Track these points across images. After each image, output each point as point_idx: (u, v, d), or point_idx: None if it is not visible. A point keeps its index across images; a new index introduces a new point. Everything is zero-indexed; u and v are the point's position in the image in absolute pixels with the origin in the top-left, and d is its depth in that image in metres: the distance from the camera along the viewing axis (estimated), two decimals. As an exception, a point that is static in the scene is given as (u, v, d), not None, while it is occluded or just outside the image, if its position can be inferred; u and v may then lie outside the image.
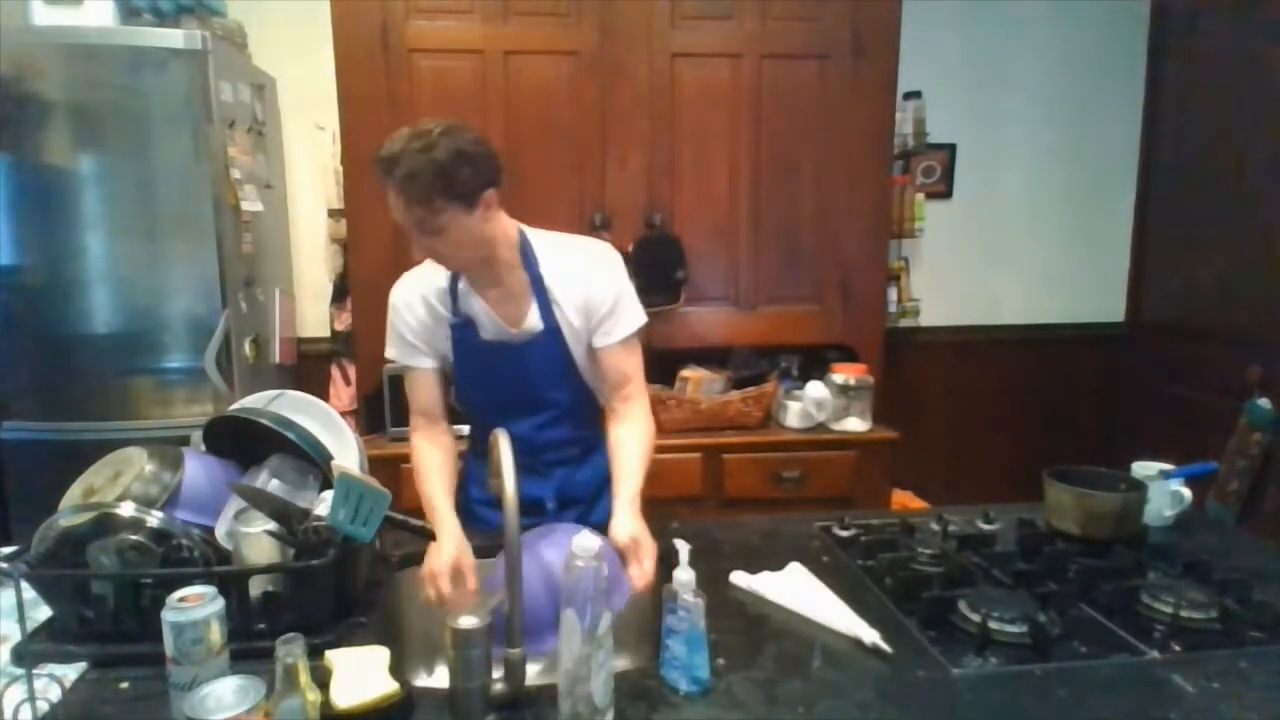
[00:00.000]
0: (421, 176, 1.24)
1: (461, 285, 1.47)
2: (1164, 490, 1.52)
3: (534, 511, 1.46)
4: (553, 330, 1.44)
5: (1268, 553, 1.44)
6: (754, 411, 2.57)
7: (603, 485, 1.60)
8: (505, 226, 1.43)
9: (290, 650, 0.83)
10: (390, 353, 1.53)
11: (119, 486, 1.18)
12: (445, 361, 1.52)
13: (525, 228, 1.48)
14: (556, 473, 1.55)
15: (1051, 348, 3.25)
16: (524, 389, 1.48)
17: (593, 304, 1.44)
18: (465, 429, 1.64)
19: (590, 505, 1.58)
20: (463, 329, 1.47)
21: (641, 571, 1.19)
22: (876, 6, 2.51)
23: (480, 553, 1.40)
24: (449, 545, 1.26)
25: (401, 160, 1.24)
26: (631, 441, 1.41)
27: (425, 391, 1.52)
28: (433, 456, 1.46)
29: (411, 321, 1.49)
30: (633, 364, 1.48)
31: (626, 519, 1.28)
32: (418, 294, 1.49)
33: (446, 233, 1.31)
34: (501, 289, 1.45)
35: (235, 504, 1.21)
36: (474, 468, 1.66)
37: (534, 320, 1.44)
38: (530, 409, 1.50)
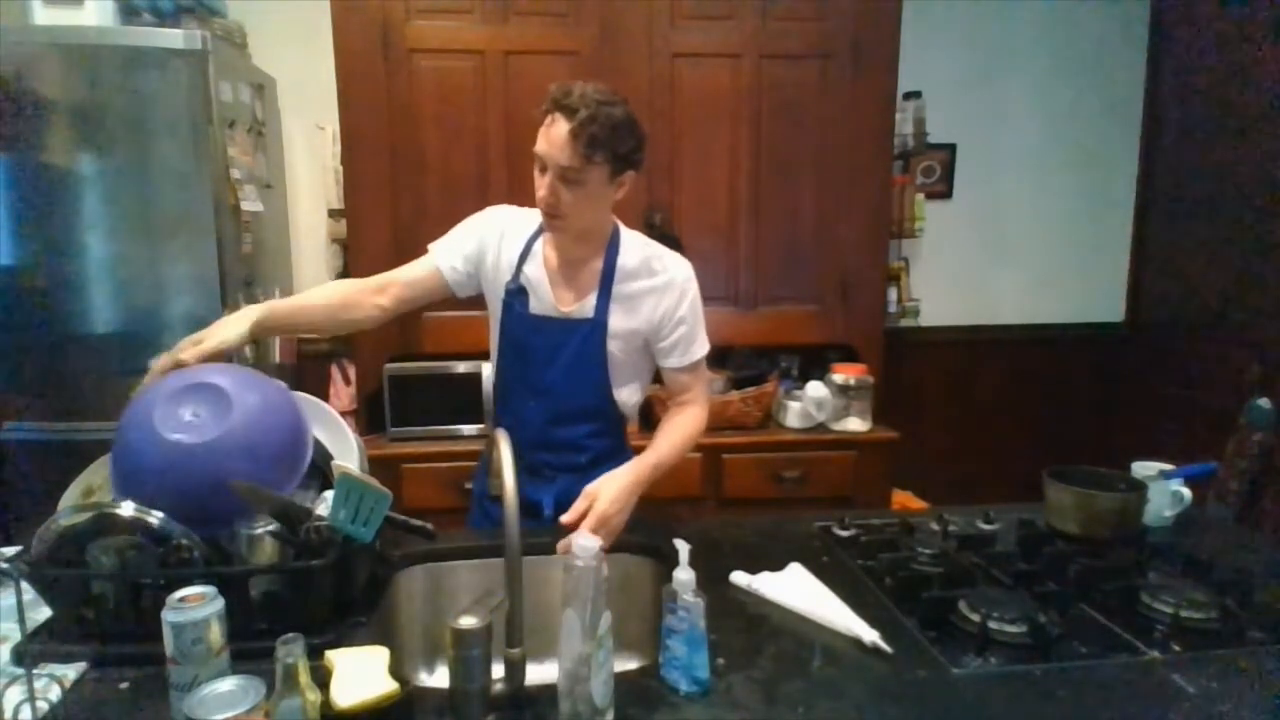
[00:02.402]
0: (602, 124, 1.29)
1: (535, 248, 1.48)
2: (1164, 490, 1.52)
3: (531, 515, 1.46)
4: (601, 323, 1.45)
5: (1268, 553, 1.44)
6: (754, 411, 2.57)
7: None
8: (612, 217, 1.47)
9: (290, 650, 0.83)
10: (434, 244, 1.53)
11: (119, 486, 1.17)
12: (461, 286, 1.52)
13: (620, 224, 1.50)
14: (560, 479, 1.54)
15: (1051, 348, 3.25)
16: (551, 371, 1.48)
17: (667, 323, 1.47)
18: (468, 429, 1.64)
19: None
20: (517, 294, 1.47)
21: (571, 519, 1.24)
22: (876, 6, 2.51)
23: (480, 553, 1.41)
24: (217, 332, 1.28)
25: (585, 102, 1.29)
26: (680, 421, 1.50)
27: (411, 272, 1.51)
28: (333, 289, 1.48)
29: (482, 234, 1.50)
30: (696, 382, 1.54)
31: (616, 477, 1.31)
32: (513, 233, 1.50)
33: (585, 186, 1.33)
34: (573, 269, 1.46)
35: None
36: (486, 464, 1.66)
37: (587, 307, 1.45)
38: (550, 397, 1.49)
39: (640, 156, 1.39)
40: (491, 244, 1.50)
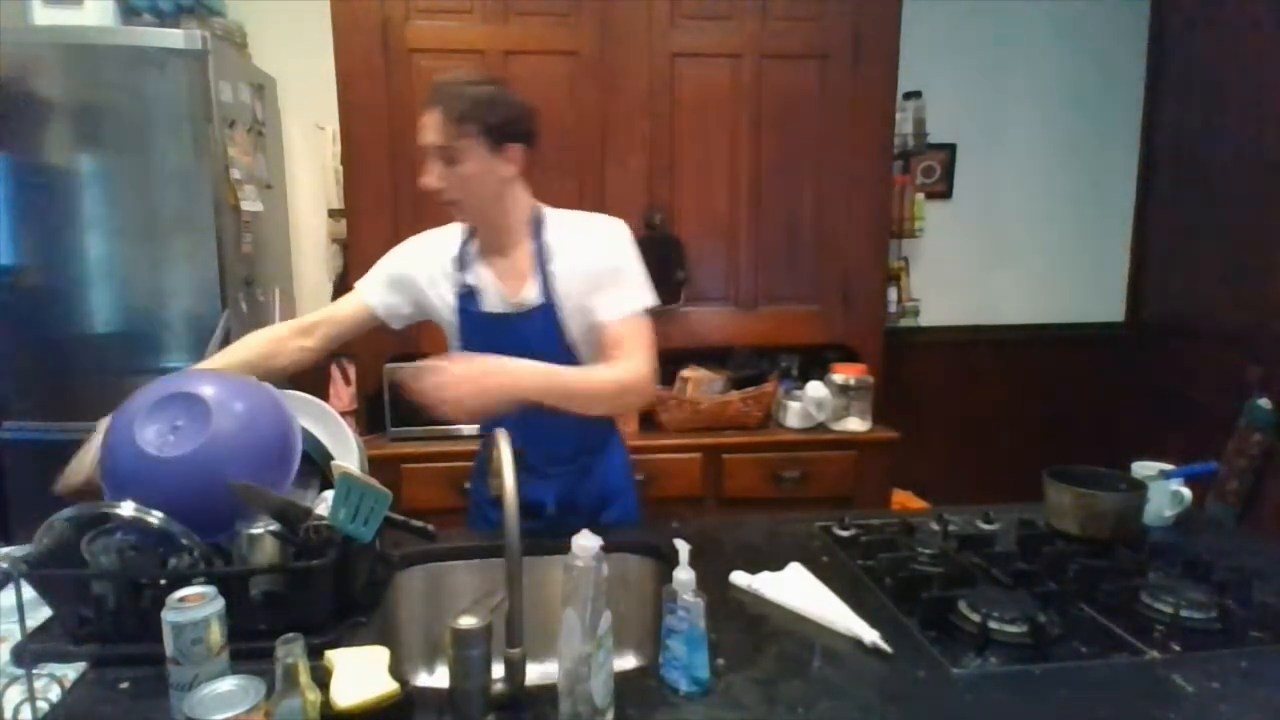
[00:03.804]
0: (462, 97, 1.33)
1: (471, 251, 1.48)
2: (1164, 490, 1.52)
3: (534, 515, 1.46)
4: (550, 304, 1.43)
5: (1268, 553, 1.44)
6: (754, 411, 2.57)
7: (609, 493, 1.60)
8: (524, 198, 1.46)
9: (290, 650, 0.83)
10: (360, 281, 1.55)
11: (119, 486, 1.17)
12: (395, 316, 1.53)
13: (545, 206, 1.49)
14: (558, 475, 1.54)
15: (1051, 348, 3.25)
16: None
17: (592, 276, 1.41)
18: (468, 429, 1.64)
19: (595, 514, 1.57)
20: (467, 298, 1.47)
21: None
22: (876, 6, 2.51)
23: (480, 553, 1.41)
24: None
25: (450, 84, 1.34)
26: (593, 370, 1.39)
27: (340, 310, 1.52)
28: (253, 342, 1.47)
29: (409, 263, 1.51)
30: (630, 339, 1.40)
31: (491, 361, 1.27)
32: (431, 247, 1.52)
33: (464, 162, 1.35)
34: (508, 260, 1.46)
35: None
36: (484, 465, 1.66)
37: (533, 293, 1.43)
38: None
39: (523, 129, 1.39)
40: (421, 264, 1.51)
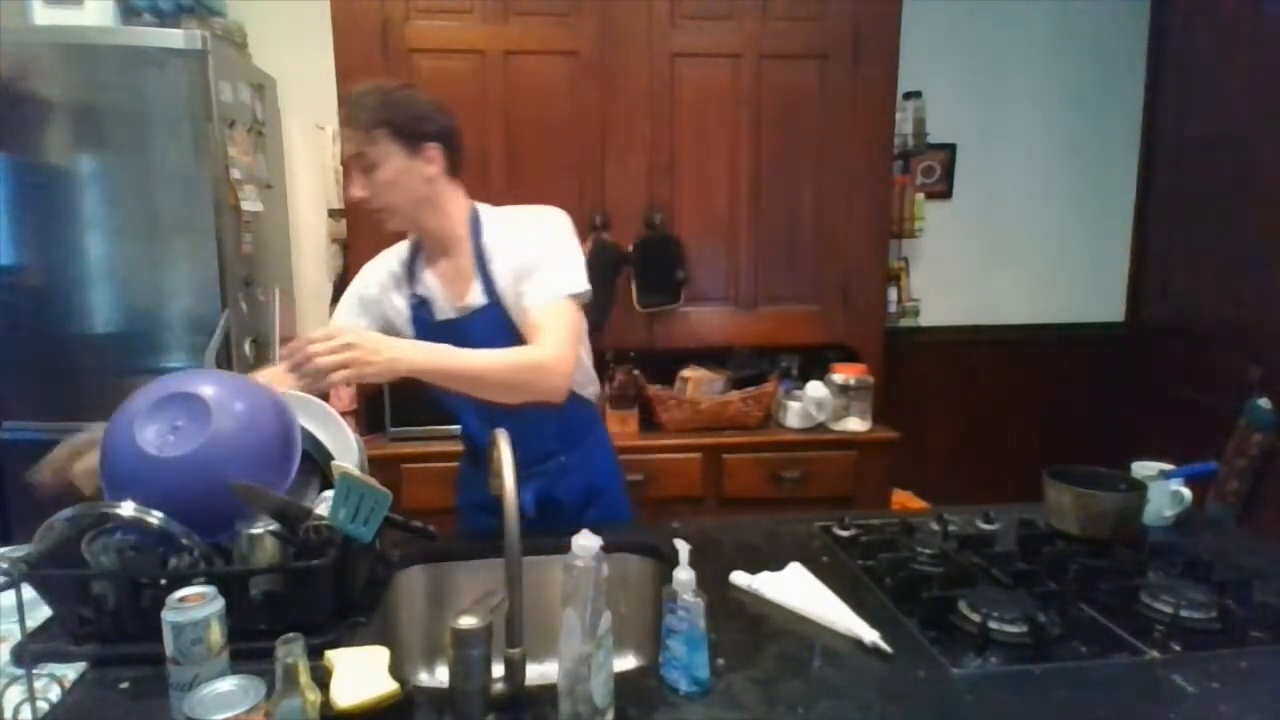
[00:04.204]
0: (367, 103, 1.33)
1: (419, 261, 1.49)
2: (1164, 490, 1.52)
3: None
4: (495, 304, 1.42)
5: (1268, 553, 1.44)
6: (754, 411, 2.57)
7: (593, 490, 1.59)
8: (459, 201, 1.46)
9: (290, 650, 0.83)
10: (336, 310, 1.57)
11: (119, 486, 1.17)
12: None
13: (482, 205, 1.49)
14: (537, 474, 1.52)
15: (1052, 348, 3.25)
16: None
17: (522, 268, 1.40)
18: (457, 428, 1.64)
19: (577, 515, 1.56)
20: (420, 308, 1.48)
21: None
22: (876, 6, 2.51)
23: (480, 553, 1.41)
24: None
25: (358, 93, 1.35)
26: (495, 351, 1.32)
27: None
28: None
29: (368, 282, 1.53)
30: (549, 323, 1.35)
31: (370, 337, 1.25)
32: (383, 263, 1.54)
33: (380, 169, 1.35)
34: (451, 264, 1.46)
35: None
36: (465, 472, 1.65)
37: (477, 295, 1.43)
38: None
39: (437, 126, 1.38)
40: (378, 282, 1.53)
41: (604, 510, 1.60)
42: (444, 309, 1.47)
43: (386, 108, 1.34)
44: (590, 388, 1.59)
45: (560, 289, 1.38)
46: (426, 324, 1.47)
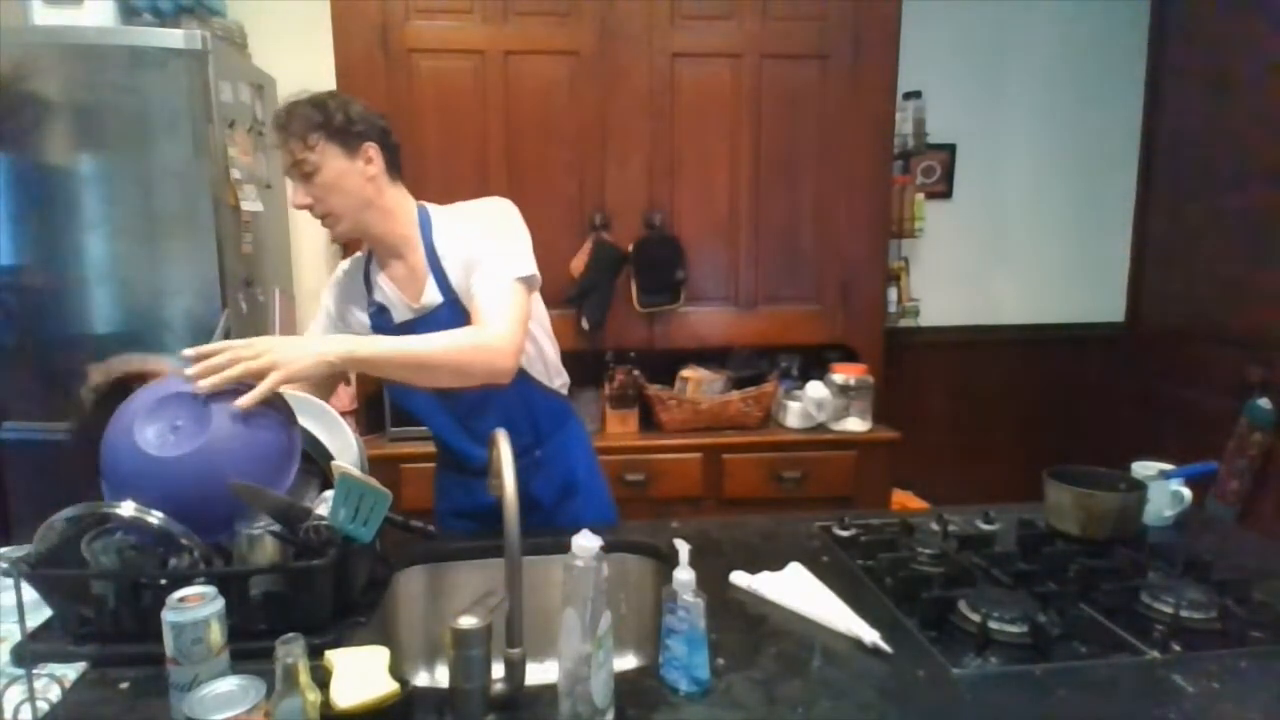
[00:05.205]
0: (299, 111, 1.34)
1: (373, 269, 1.49)
2: (1164, 490, 1.52)
3: (490, 519, 1.44)
4: (451, 302, 1.41)
5: (1268, 553, 1.44)
6: (754, 411, 2.57)
7: (570, 486, 1.59)
8: (405, 202, 1.45)
9: (290, 650, 0.83)
10: (310, 327, 1.57)
11: (119, 486, 1.17)
12: None
13: (431, 205, 1.48)
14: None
15: (1051, 348, 3.25)
16: None
17: (470, 261, 1.39)
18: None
19: (552, 512, 1.55)
20: (379, 315, 1.47)
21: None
22: (876, 6, 2.51)
23: (480, 553, 1.41)
24: None
25: (288, 104, 1.37)
26: (429, 335, 1.30)
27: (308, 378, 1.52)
28: None
29: (331, 294, 1.54)
30: (492, 306, 1.33)
31: (297, 338, 1.27)
32: (335, 278, 1.55)
33: (320, 174, 1.34)
34: (404, 265, 1.45)
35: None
36: (442, 480, 1.64)
37: (433, 293, 1.42)
38: (454, 397, 1.46)
39: (371, 125, 1.38)
40: (341, 293, 1.54)
41: (583, 505, 1.58)
42: (402, 311, 1.46)
43: (319, 111, 1.34)
44: (559, 380, 1.59)
45: (506, 273, 1.36)
46: (387, 329, 1.46)
